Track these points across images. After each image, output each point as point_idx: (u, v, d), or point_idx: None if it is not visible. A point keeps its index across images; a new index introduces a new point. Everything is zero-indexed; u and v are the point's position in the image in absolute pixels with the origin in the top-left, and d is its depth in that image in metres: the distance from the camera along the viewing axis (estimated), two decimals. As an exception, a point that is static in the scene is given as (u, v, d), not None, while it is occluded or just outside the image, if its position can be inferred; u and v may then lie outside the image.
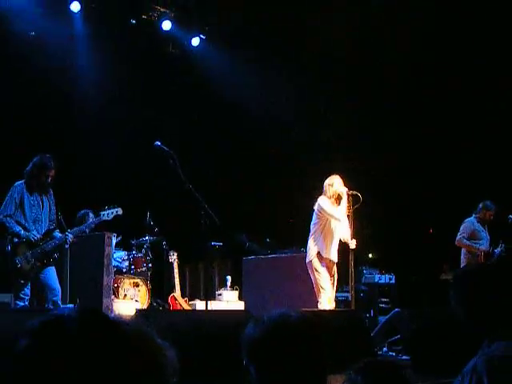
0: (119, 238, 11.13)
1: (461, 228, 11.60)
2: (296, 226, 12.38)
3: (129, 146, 13.51)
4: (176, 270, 11.41)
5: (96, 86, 13.21)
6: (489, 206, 11.60)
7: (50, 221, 8.81)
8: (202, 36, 14.22)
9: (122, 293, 11.03)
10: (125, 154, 13.49)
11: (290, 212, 14.11)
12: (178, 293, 11.33)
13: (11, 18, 12.11)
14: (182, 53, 14.44)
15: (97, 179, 12.97)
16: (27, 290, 8.55)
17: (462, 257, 11.62)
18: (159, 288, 12.24)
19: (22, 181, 8.71)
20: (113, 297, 10.41)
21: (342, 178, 9.57)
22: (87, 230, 9.54)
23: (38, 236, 8.58)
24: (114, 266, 10.73)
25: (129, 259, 11.49)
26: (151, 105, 14.27)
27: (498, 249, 11.44)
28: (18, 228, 8.49)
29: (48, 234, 8.71)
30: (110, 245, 10.16)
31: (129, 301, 10.98)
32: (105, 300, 9.84)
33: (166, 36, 14.00)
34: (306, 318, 2.45)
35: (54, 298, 8.58)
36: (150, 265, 11.66)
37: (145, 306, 11.02)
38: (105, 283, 9.88)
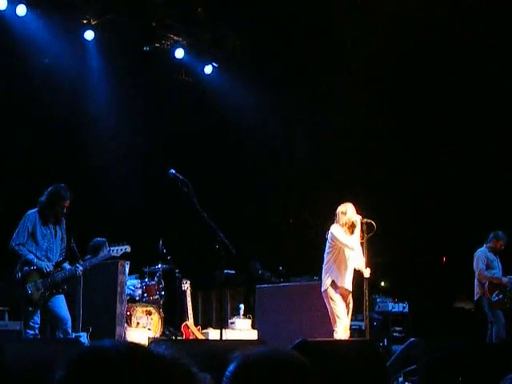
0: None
1: (475, 260, 11.51)
2: (309, 254, 12.31)
3: (142, 174, 13.53)
4: (189, 299, 11.33)
5: (109, 114, 13.25)
6: (500, 236, 11.54)
7: (60, 250, 8.79)
8: (214, 64, 14.25)
9: (134, 321, 10.97)
10: (138, 182, 13.50)
11: (304, 240, 14.03)
12: (190, 321, 11.26)
13: (26, 46, 12.20)
14: (194, 81, 14.49)
15: (110, 206, 12.96)
16: (37, 319, 8.51)
17: (475, 287, 11.54)
18: (172, 316, 12.17)
19: (35, 209, 8.69)
20: (125, 325, 10.35)
21: (354, 205, 9.51)
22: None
23: (51, 268, 8.55)
24: (127, 294, 10.70)
25: (142, 287, 11.45)
26: (164, 132, 14.30)
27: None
28: (31, 256, 8.47)
29: (58, 265, 8.68)
30: (124, 273, 10.13)
31: (141, 329, 10.92)
32: (118, 328, 9.80)
33: (178, 64, 14.05)
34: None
35: (64, 327, 8.53)
36: (163, 293, 11.63)
37: (157, 335, 10.96)
38: (118, 311, 9.85)
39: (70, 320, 8.63)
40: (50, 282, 8.51)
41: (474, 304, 12.02)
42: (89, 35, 12.75)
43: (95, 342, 1.60)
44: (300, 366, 1.88)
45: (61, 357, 1.55)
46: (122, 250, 9.10)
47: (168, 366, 1.64)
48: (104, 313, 9.86)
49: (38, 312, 8.53)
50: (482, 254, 11.54)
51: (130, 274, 11.11)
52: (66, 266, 8.73)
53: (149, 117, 14.08)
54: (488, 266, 11.45)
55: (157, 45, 13.68)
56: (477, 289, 11.54)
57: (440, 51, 13.36)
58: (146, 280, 11.64)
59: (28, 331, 8.43)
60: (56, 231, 8.74)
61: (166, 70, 14.05)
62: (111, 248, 9.10)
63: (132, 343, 1.56)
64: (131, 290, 11.24)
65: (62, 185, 8.71)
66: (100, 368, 1.45)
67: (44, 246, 8.61)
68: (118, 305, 9.84)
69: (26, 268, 8.46)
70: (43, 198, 8.68)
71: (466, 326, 12.69)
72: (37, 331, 8.52)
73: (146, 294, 11.44)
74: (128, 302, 10.70)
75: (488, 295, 11.24)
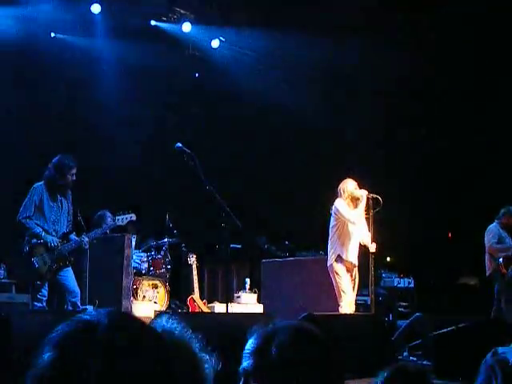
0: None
1: (487, 235, 11.34)
2: (315, 228, 12.31)
3: (149, 148, 13.52)
4: (195, 272, 11.38)
5: (116, 87, 13.22)
6: None
7: (67, 222, 8.82)
8: (221, 38, 14.19)
9: (140, 294, 11.02)
10: (145, 156, 13.50)
11: (310, 215, 14.02)
12: (196, 295, 11.31)
13: (32, 20, 12.16)
14: (201, 55, 14.43)
15: (117, 181, 12.97)
16: (44, 291, 8.55)
17: (487, 262, 11.40)
18: (178, 290, 12.23)
19: (42, 182, 8.70)
20: (132, 298, 10.40)
21: (360, 180, 9.51)
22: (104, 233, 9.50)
23: (57, 242, 8.57)
24: (134, 268, 10.73)
25: (148, 261, 11.49)
26: (171, 106, 14.28)
27: None
28: (38, 229, 8.50)
29: (65, 237, 8.71)
30: (130, 246, 10.16)
31: (147, 302, 10.97)
32: (124, 302, 9.84)
33: (185, 38, 13.98)
34: None
35: (73, 300, 8.57)
36: (169, 266, 11.67)
37: (163, 308, 11.01)
38: (124, 285, 9.89)
39: (79, 293, 8.67)
40: (57, 255, 8.54)
41: (487, 279, 11.78)
42: (95, 9, 12.70)
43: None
44: (321, 338, 1.89)
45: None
46: (127, 218, 9.11)
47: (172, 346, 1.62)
48: (110, 286, 9.90)
49: (46, 285, 8.58)
50: (494, 229, 11.36)
51: (136, 247, 11.16)
52: (73, 237, 8.76)
53: (155, 91, 14.04)
54: (499, 243, 11.29)
55: (164, 18, 13.63)
56: (488, 264, 11.35)
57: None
58: (153, 254, 11.68)
59: (36, 304, 8.49)
60: (62, 204, 8.76)
61: (173, 44, 13.98)
62: (116, 217, 9.12)
63: (125, 314, 1.41)
64: (137, 263, 11.28)
65: (67, 155, 8.72)
66: (89, 347, 1.28)
67: (51, 219, 8.64)
68: (124, 278, 9.87)
69: (34, 240, 8.49)
70: (50, 170, 8.68)
71: (471, 302, 12.69)
72: (44, 304, 8.57)
73: (152, 268, 11.49)
74: (134, 275, 10.74)
75: (504, 270, 11.08)
